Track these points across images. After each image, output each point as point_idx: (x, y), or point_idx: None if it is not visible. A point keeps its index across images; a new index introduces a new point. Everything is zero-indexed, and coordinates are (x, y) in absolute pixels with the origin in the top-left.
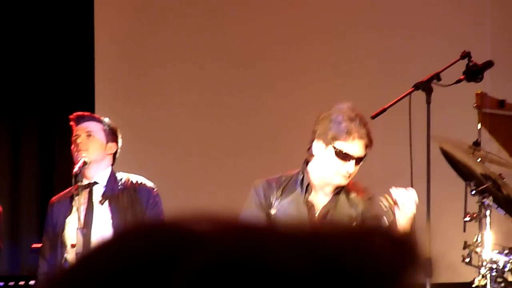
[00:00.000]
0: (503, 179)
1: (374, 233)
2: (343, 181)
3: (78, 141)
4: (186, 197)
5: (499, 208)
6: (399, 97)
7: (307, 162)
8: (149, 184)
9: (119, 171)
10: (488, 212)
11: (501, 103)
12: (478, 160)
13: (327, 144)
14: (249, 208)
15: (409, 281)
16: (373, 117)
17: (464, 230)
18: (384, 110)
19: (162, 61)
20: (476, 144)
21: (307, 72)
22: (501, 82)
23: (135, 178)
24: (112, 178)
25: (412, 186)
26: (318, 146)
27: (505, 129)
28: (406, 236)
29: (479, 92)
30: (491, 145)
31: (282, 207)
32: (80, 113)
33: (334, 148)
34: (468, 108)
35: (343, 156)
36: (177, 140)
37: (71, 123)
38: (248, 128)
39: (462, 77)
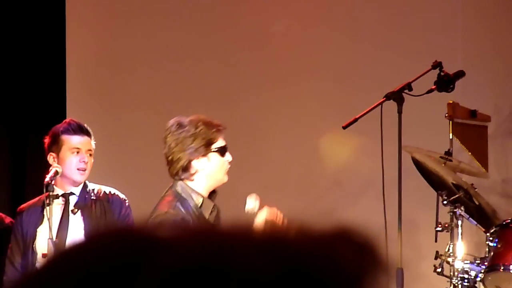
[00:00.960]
0: (475, 189)
1: (337, 238)
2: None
3: (84, 158)
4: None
5: (470, 218)
6: (370, 107)
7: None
8: (121, 195)
9: (91, 182)
10: (459, 222)
11: (473, 113)
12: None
13: (206, 153)
14: None
15: (371, 285)
16: (344, 127)
17: (436, 240)
18: (355, 120)
19: (134, 67)
20: (448, 154)
21: (278, 81)
22: (472, 92)
23: (108, 189)
24: (85, 188)
25: (384, 196)
26: (200, 162)
27: (476, 139)
28: (368, 242)
29: (451, 102)
30: (462, 155)
31: None
32: (78, 122)
33: (214, 150)
34: (439, 118)
35: (224, 150)
36: (149, 147)
37: (65, 128)
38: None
39: (433, 87)
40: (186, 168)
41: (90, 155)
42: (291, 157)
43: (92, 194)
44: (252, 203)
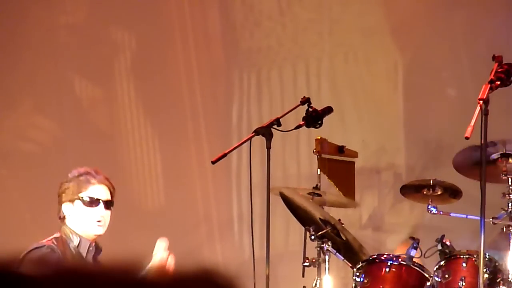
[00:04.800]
0: (342, 224)
1: (200, 281)
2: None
3: None
4: None
5: (337, 254)
6: (240, 142)
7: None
8: None
9: None
10: (327, 257)
11: (340, 149)
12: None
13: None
14: None
15: None
16: (213, 162)
17: (303, 275)
18: (224, 155)
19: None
20: (316, 188)
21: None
22: (343, 127)
23: None
24: None
25: (252, 231)
26: (66, 207)
27: (344, 174)
28: (229, 283)
29: (319, 138)
30: (330, 190)
31: None
32: None
33: (82, 199)
34: (308, 154)
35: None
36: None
37: None
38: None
39: (302, 122)
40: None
41: None
42: (162, 191)
43: None
44: (161, 247)
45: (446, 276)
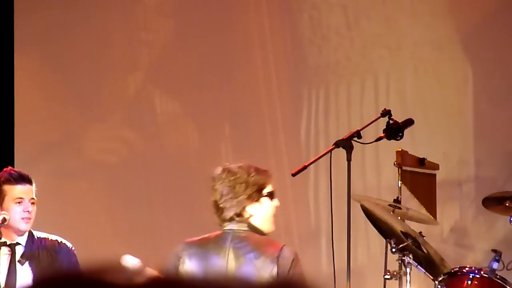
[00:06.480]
0: (423, 237)
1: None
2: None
3: (28, 208)
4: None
5: (419, 266)
6: (320, 155)
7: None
8: (68, 244)
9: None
10: (408, 270)
11: (421, 161)
12: (399, 218)
13: (258, 199)
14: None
15: None
16: (294, 175)
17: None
18: (304, 168)
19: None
20: (397, 201)
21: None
22: (421, 140)
23: (54, 237)
24: (31, 237)
25: (332, 244)
26: (254, 207)
27: (425, 187)
28: None
29: (399, 150)
30: (412, 202)
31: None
32: (19, 171)
33: (265, 194)
34: (388, 166)
35: (273, 195)
36: (95, 190)
37: (6, 178)
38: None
39: (382, 135)
40: (240, 214)
41: (33, 203)
42: None
43: (39, 243)
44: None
45: None
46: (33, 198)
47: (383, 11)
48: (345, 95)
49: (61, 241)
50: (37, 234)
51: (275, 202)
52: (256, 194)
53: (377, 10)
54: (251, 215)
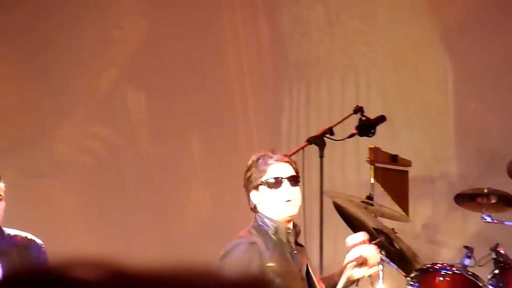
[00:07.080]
0: (396, 233)
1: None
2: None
3: None
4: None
5: (391, 263)
6: (293, 151)
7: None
8: (38, 241)
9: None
10: (381, 267)
11: (394, 158)
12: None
13: (257, 187)
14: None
15: None
16: None
17: (357, 285)
18: None
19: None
20: (369, 198)
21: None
22: (393, 136)
23: (25, 234)
24: (1, 234)
25: (305, 241)
26: (254, 195)
27: (397, 183)
28: None
29: (372, 146)
30: (384, 199)
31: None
32: None
33: (262, 182)
34: (361, 163)
35: (273, 183)
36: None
37: None
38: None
39: (355, 131)
40: (250, 202)
41: (1, 199)
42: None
43: (9, 240)
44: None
45: (501, 285)
46: (0, 195)
47: (364, 7)
48: (326, 91)
49: (31, 238)
50: (8, 231)
51: (282, 188)
52: (255, 182)
53: (358, 7)
54: (255, 205)
